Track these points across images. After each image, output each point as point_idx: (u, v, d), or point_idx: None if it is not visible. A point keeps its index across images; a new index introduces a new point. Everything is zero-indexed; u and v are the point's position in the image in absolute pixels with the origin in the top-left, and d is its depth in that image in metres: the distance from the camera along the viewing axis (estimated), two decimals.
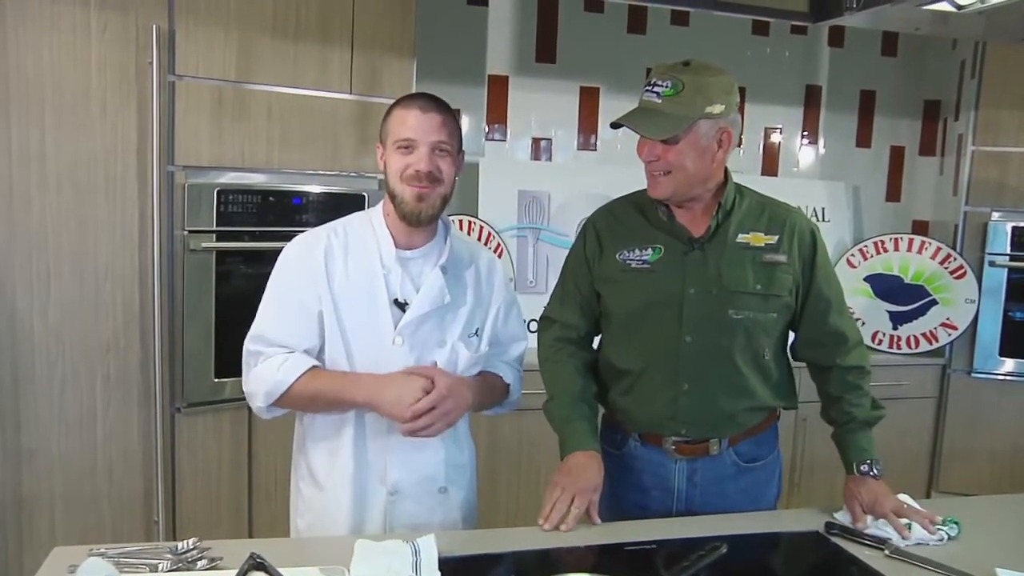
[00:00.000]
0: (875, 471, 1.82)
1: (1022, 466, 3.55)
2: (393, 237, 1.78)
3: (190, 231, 2.64)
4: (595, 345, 2.01)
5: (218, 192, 2.67)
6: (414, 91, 1.81)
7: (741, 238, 1.82)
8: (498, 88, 3.64)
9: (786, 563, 1.70)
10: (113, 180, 2.53)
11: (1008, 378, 3.58)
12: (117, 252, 2.56)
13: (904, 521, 1.72)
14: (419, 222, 1.74)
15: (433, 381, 1.68)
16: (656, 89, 1.70)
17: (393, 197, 1.74)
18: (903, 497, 1.82)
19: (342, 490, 1.76)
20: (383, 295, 1.75)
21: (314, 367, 1.72)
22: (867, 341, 3.24)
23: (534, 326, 3.44)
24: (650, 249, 1.84)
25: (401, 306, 1.75)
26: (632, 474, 1.92)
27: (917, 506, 1.79)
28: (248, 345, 1.75)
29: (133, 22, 2.50)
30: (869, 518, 1.76)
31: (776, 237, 1.83)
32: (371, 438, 1.76)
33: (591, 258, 1.91)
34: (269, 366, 1.71)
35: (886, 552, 1.64)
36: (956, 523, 1.73)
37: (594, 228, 1.93)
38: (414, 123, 1.71)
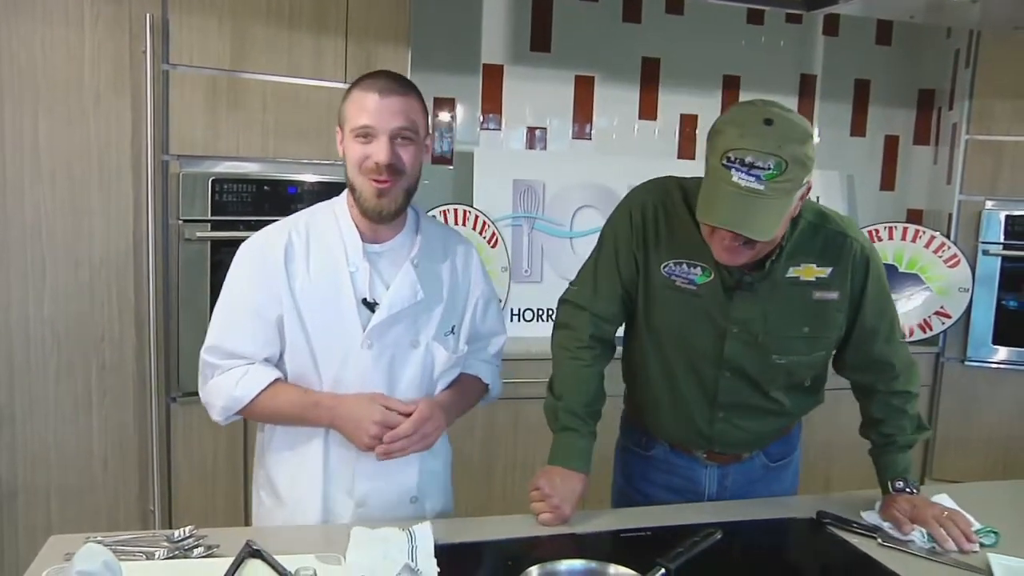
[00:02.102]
0: (910, 488, 1.73)
1: (1015, 454, 3.57)
2: (359, 231, 1.65)
3: (185, 221, 2.64)
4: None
5: (213, 181, 2.66)
6: (376, 74, 1.63)
7: (791, 272, 1.66)
8: (493, 77, 3.64)
9: (780, 549, 1.71)
10: (107, 170, 2.52)
11: (1001, 366, 3.60)
12: (112, 242, 2.55)
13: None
14: (381, 219, 1.62)
15: (406, 403, 1.61)
16: (756, 172, 1.43)
17: (353, 190, 1.62)
18: (941, 498, 1.76)
19: (308, 504, 1.67)
20: (350, 295, 1.62)
21: (275, 381, 1.63)
22: None
23: (528, 315, 3.51)
24: (699, 269, 1.68)
25: (370, 306, 1.63)
26: (661, 475, 1.89)
27: (956, 507, 1.71)
28: (204, 356, 1.66)
29: (126, 11, 2.49)
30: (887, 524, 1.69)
31: (829, 270, 1.67)
32: (337, 448, 1.66)
33: (638, 252, 1.74)
34: (227, 380, 1.62)
35: (879, 540, 1.64)
36: (995, 532, 1.65)
37: (642, 216, 1.73)
38: (373, 108, 1.56)
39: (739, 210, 1.45)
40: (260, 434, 1.78)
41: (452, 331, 1.73)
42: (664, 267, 1.71)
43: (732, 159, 1.45)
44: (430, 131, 1.67)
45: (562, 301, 1.88)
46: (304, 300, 1.62)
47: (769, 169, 1.43)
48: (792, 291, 1.67)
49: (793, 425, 1.92)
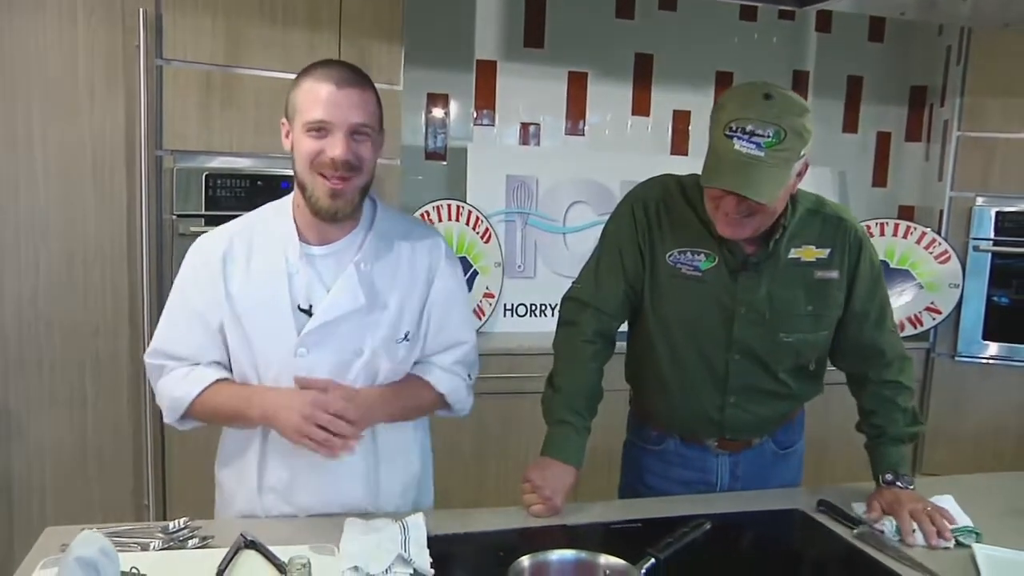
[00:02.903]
0: (900, 483, 1.74)
1: (1004, 448, 3.59)
2: (301, 232, 1.56)
3: (178, 215, 2.65)
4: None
5: (206, 176, 2.67)
6: (328, 63, 1.52)
7: (793, 253, 1.72)
8: (486, 73, 3.64)
9: (765, 539, 1.72)
10: (101, 165, 2.53)
11: (991, 362, 3.62)
12: (106, 236, 2.56)
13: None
14: (334, 220, 1.53)
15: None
16: (756, 139, 1.51)
17: (303, 188, 1.51)
18: (946, 499, 1.74)
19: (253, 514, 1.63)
20: (285, 301, 1.53)
21: (218, 381, 1.56)
22: None
23: (522, 310, 3.52)
24: (703, 255, 1.73)
25: (307, 313, 1.54)
26: (674, 469, 1.91)
27: (955, 508, 1.70)
28: (147, 359, 1.61)
29: (119, 6, 2.50)
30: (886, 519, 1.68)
31: (828, 251, 1.74)
32: (273, 457, 1.60)
33: (643, 246, 1.77)
34: (171, 380, 1.58)
35: (855, 532, 1.66)
36: (976, 533, 1.63)
37: (644, 212, 1.78)
38: (329, 101, 1.45)
39: (741, 175, 1.52)
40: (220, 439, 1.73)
41: (405, 338, 1.62)
42: (669, 256, 1.75)
43: (734, 128, 1.53)
44: (383, 126, 1.57)
45: (565, 299, 1.90)
46: (241, 306, 1.55)
47: (769, 137, 1.51)
48: (795, 271, 1.73)
49: (798, 411, 1.95)
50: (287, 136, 1.53)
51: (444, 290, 1.67)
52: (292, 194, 1.59)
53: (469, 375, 1.75)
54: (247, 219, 1.63)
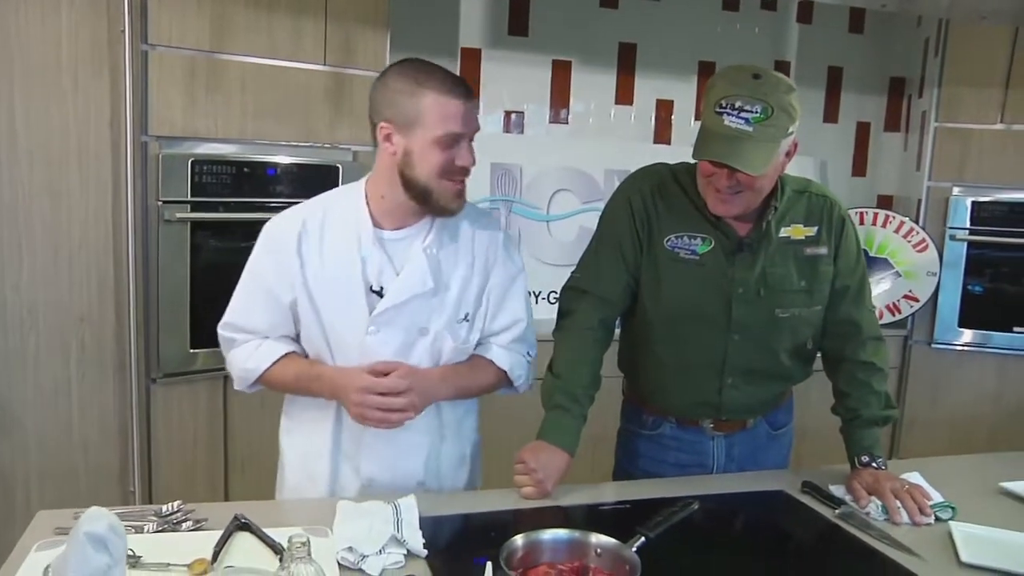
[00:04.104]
0: (875, 464, 1.79)
1: (979, 433, 3.66)
2: (375, 218, 1.65)
3: (164, 202, 2.64)
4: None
5: (192, 163, 2.66)
6: (444, 70, 1.60)
7: (783, 232, 1.79)
8: (471, 61, 3.65)
9: (750, 518, 1.76)
10: (86, 150, 2.51)
11: (966, 348, 3.69)
12: (91, 223, 2.54)
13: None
14: (452, 215, 1.65)
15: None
16: (744, 115, 1.58)
17: (426, 194, 1.60)
18: (912, 475, 1.80)
19: (318, 479, 1.72)
20: (358, 283, 1.63)
21: (287, 354, 1.67)
22: None
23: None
24: (699, 240, 1.78)
25: (379, 294, 1.64)
26: (669, 453, 1.94)
27: (924, 484, 1.76)
28: (220, 331, 1.72)
29: None
30: (872, 500, 1.72)
31: (815, 228, 1.81)
32: (347, 429, 1.70)
33: (640, 233, 1.82)
34: (241, 352, 1.69)
35: (836, 512, 1.69)
36: (952, 508, 1.69)
37: (642, 200, 1.82)
38: (460, 115, 1.56)
39: (730, 148, 1.59)
40: (285, 405, 1.82)
41: (466, 318, 1.72)
42: (667, 241, 1.80)
43: (724, 105, 1.60)
44: None
45: (565, 289, 1.93)
46: (315, 285, 1.64)
47: (757, 113, 1.58)
48: (786, 249, 1.79)
49: (789, 393, 2.00)
50: (388, 139, 1.59)
51: (503, 275, 1.77)
52: (364, 182, 1.70)
53: (528, 352, 1.83)
54: (319, 202, 1.71)
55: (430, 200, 1.61)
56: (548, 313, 2.19)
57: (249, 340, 1.69)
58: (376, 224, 1.66)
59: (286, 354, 1.68)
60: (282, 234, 1.66)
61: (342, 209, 1.68)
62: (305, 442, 1.75)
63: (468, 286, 1.71)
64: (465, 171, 1.60)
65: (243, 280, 1.71)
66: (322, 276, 1.65)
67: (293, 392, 1.73)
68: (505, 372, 1.77)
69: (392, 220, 1.67)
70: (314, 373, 1.66)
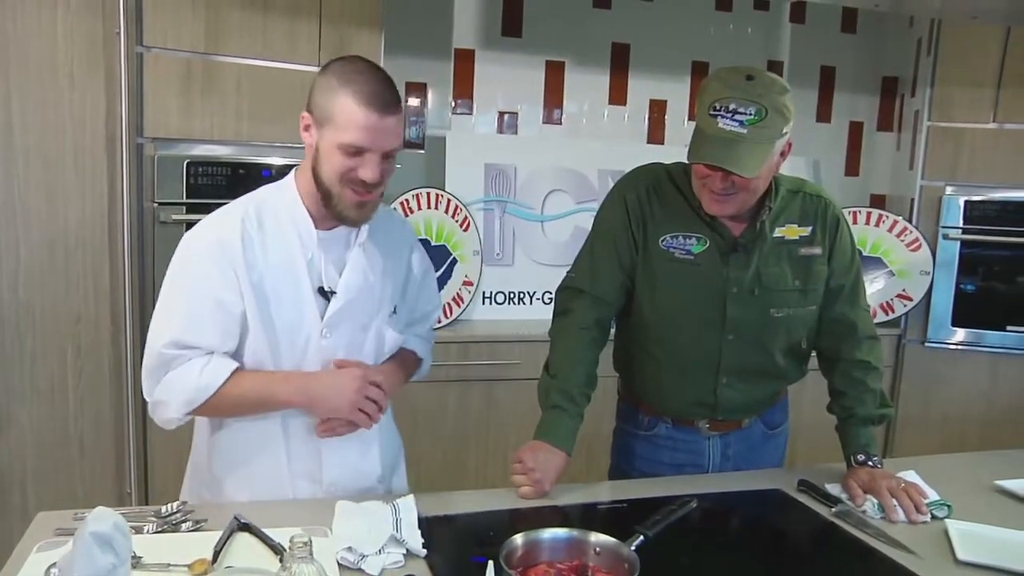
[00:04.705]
0: (872, 462, 1.80)
1: (972, 432, 3.67)
2: (312, 217, 1.58)
3: (159, 203, 2.64)
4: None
5: (187, 164, 2.67)
6: (367, 75, 1.49)
7: (777, 232, 1.79)
8: (464, 62, 3.65)
9: (747, 516, 1.77)
10: (82, 152, 2.52)
11: (959, 347, 3.70)
12: (87, 224, 2.55)
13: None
14: (356, 225, 1.59)
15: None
16: (738, 117, 1.58)
17: (327, 195, 1.53)
18: (908, 473, 1.81)
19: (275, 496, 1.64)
20: (307, 284, 1.57)
21: (236, 369, 1.55)
22: None
23: (500, 298, 3.54)
24: (694, 239, 1.78)
25: (326, 294, 1.59)
26: (664, 452, 1.94)
27: (920, 482, 1.77)
28: (162, 350, 1.53)
29: None
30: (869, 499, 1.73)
31: (809, 228, 1.81)
32: (297, 442, 1.63)
33: (636, 232, 1.82)
34: (188, 371, 1.52)
35: (833, 510, 1.71)
36: (947, 506, 1.70)
37: (637, 200, 1.82)
38: (369, 127, 1.46)
39: (725, 151, 1.58)
40: (203, 439, 1.70)
41: (395, 311, 1.72)
42: (662, 241, 1.80)
43: (718, 107, 1.60)
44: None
45: (561, 288, 1.93)
46: (263, 291, 1.55)
47: (751, 115, 1.58)
48: (780, 249, 1.80)
49: (784, 392, 2.01)
50: (307, 130, 1.54)
51: (419, 266, 1.80)
52: (293, 178, 1.62)
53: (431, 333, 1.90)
54: (250, 202, 1.60)
55: (331, 204, 1.54)
56: (543, 313, 2.19)
57: (193, 358, 1.54)
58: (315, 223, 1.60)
59: (236, 369, 1.55)
60: (224, 241, 1.53)
61: (275, 209, 1.59)
62: (246, 474, 1.64)
63: (395, 280, 1.72)
64: (368, 185, 1.50)
65: (180, 294, 1.56)
66: (269, 280, 1.56)
67: (243, 409, 1.60)
68: (420, 361, 1.83)
69: (324, 219, 1.59)
70: (278, 377, 1.57)
